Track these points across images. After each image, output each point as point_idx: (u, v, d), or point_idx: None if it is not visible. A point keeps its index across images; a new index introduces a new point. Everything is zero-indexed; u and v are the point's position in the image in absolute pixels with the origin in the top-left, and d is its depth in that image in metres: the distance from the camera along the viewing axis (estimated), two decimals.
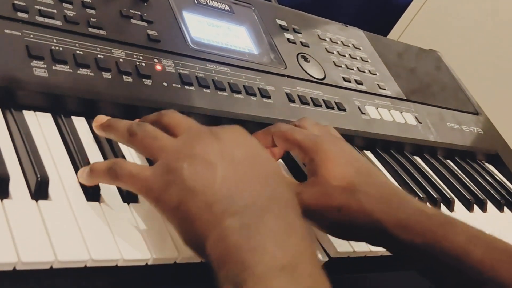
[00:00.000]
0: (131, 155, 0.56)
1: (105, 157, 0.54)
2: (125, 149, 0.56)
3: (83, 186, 0.48)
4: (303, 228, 0.44)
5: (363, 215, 0.52)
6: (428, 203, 0.74)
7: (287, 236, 0.42)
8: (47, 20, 0.60)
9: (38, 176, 0.45)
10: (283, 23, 0.87)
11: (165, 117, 0.51)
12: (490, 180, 0.89)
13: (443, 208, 0.75)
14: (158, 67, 0.65)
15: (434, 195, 0.75)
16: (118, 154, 0.54)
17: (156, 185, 0.44)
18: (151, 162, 0.48)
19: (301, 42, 0.86)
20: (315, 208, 0.52)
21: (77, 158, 0.51)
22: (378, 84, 0.91)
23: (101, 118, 0.54)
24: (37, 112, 0.55)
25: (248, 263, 0.39)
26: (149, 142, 0.47)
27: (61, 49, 0.58)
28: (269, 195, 0.44)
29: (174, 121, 0.50)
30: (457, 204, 0.78)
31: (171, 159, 0.45)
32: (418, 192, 0.74)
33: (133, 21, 0.68)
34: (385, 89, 0.91)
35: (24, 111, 0.54)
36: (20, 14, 0.59)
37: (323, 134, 0.59)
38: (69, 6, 0.63)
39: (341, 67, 0.88)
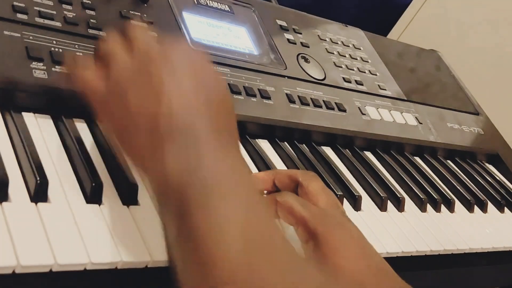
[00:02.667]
0: None
1: (104, 160, 0.53)
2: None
3: (82, 189, 0.48)
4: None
5: None
6: (428, 204, 0.74)
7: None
8: (46, 22, 0.60)
9: (38, 178, 0.45)
10: (283, 23, 0.87)
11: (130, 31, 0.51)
12: (490, 180, 0.89)
13: (443, 208, 0.75)
14: None
15: (435, 196, 0.75)
16: (118, 156, 0.54)
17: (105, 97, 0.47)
18: None
19: (301, 43, 0.86)
20: None
21: (77, 161, 0.51)
22: (378, 85, 0.90)
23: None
24: (36, 114, 0.55)
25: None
26: (106, 56, 0.49)
27: (60, 50, 0.58)
28: (217, 118, 0.45)
29: (132, 34, 0.50)
30: (458, 205, 0.78)
31: (119, 78, 0.46)
32: (419, 193, 0.74)
33: (133, 22, 0.68)
34: (385, 90, 0.91)
35: (23, 113, 0.54)
36: (19, 16, 0.58)
37: (331, 213, 0.53)
38: (69, 7, 0.63)
39: (341, 67, 0.88)
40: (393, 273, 0.51)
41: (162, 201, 0.43)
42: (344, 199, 0.65)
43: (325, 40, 0.91)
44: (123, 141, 0.47)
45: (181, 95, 0.45)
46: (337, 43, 0.93)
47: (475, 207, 0.80)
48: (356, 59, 0.93)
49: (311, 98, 0.77)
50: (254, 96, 0.71)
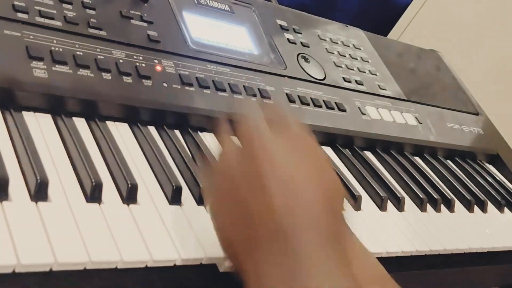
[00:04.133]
0: (132, 158, 0.56)
1: (105, 159, 0.53)
2: (125, 152, 0.56)
3: (82, 188, 0.48)
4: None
5: None
6: (428, 204, 0.74)
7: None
8: (47, 21, 0.60)
9: (38, 177, 0.45)
10: (283, 23, 0.87)
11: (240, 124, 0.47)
12: (490, 180, 0.89)
13: (443, 208, 0.75)
14: (158, 68, 0.65)
15: (434, 196, 0.75)
16: (118, 155, 0.54)
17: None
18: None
19: (301, 43, 0.86)
20: None
21: (77, 160, 0.51)
22: (378, 85, 0.91)
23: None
24: (36, 113, 0.55)
25: None
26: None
27: (61, 50, 0.58)
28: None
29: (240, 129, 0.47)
30: (457, 205, 0.78)
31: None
32: (419, 193, 0.74)
33: (133, 21, 0.68)
34: (385, 90, 0.91)
35: (23, 112, 0.54)
36: (20, 15, 0.58)
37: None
38: (69, 6, 0.63)
39: (341, 67, 0.88)
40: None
41: None
42: (344, 199, 0.65)
43: (325, 40, 0.91)
44: (220, 227, 0.44)
45: (289, 193, 0.41)
46: (337, 43, 0.93)
47: (475, 207, 0.80)
48: (356, 59, 0.93)
49: (311, 98, 0.77)
50: (254, 96, 0.71)
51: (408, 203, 0.72)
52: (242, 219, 0.41)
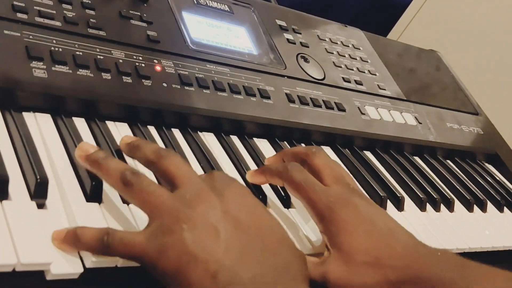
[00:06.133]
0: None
1: None
2: None
3: (82, 187, 0.48)
4: None
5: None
6: (428, 203, 0.74)
7: None
8: (46, 21, 0.60)
9: (38, 177, 0.45)
10: (283, 23, 0.87)
11: (164, 161, 0.46)
12: (490, 180, 0.89)
13: (443, 208, 0.75)
14: (158, 68, 0.65)
15: (434, 196, 0.75)
16: (118, 156, 0.54)
17: (152, 249, 0.41)
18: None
19: (300, 43, 0.86)
20: (345, 287, 0.49)
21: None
22: (378, 85, 0.91)
23: (86, 148, 0.48)
24: (36, 113, 0.55)
25: None
26: (145, 197, 0.43)
27: (60, 50, 0.58)
28: (277, 266, 0.41)
29: (173, 169, 0.45)
30: (457, 205, 0.78)
31: (169, 220, 0.41)
32: (418, 193, 0.74)
33: (132, 21, 0.68)
34: (385, 90, 0.91)
35: (23, 112, 0.54)
36: (19, 15, 0.58)
37: (336, 191, 0.53)
38: (69, 6, 0.63)
39: (340, 67, 0.88)
40: (404, 235, 0.52)
41: None
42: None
43: (325, 40, 0.91)
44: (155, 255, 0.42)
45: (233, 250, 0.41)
46: (337, 43, 0.93)
47: (475, 206, 0.80)
48: (356, 59, 0.93)
49: (310, 98, 0.78)
50: (254, 95, 0.71)
51: (408, 203, 0.73)
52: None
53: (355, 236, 0.50)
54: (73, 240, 0.41)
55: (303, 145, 0.74)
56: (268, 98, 0.72)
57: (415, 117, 0.90)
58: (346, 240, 0.50)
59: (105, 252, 0.41)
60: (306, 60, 0.84)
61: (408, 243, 0.51)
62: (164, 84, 0.64)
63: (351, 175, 0.60)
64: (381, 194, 0.69)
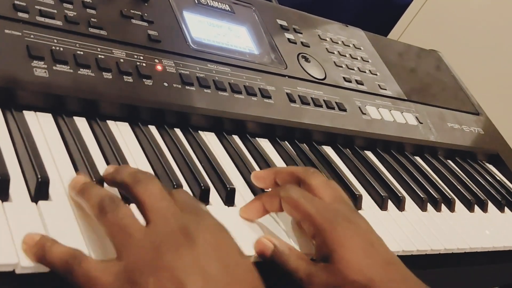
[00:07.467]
0: (133, 157, 0.56)
1: (105, 158, 0.53)
2: (126, 151, 0.56)
3: None
4: None
5: None
6: (429, 203, 0.74)
7: None
8: (47, 20, 0.60)
9: (39, 176, 0.45)
10: (284, 23, 0.87)
11: (139, 187, 0.44)
12: (490, 180, 0.89)
13: (443, 208, 0.75)
14: (159, 67, 0.65)
15: (435, 195, 0.75)
16: (119, 155, 0.54)
17: None
18: None
19: (301, 42, 0.86)
20: None
21: (78, 159, 0.51)
22: (378, 84, 0.91)
23: (78, 180, 0.46)
24: (37, 113, 0.55)
25: None
26: (116, 231, 0.41)
27: (61, 49, 0.58)
28: None
29: (146, 199, 0.43)
30: (458, 204, 0.78)
31: (136, 267, 0.39)
32: (419, 193, 0.74)
33: (133, 21, 0.68)
34: (385, 89, 0.91)
35: (24, 112, 0.54)
36: (20, 14, 0.58)
37: (337, 207, 0.52)
38: (70, 6, 0.63)
39: (341, 67, 0.88)
40: (403, 267, 0.51)
41: None
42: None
43: (326, 40, 0.91)
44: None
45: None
46: (338, 43, 0.93)
47: (476, 206, 0.80)
48: (357, 59, 0.93)
49: (311, 98, 0.77)
50: (255, 95, 0.71)
51: (409, 202, 0.73)
52: None
53: (353, 253, 0.49)
54: (40, 253, 0.40)
55: (304, 145, 0.74)
56: (269, 97, 0.72)
57: (416, 117, 0.90)
58: (342, 256, 0.48)
59: (68, 276, 0.39)
60: (307, 59, 0.84)
61: (406, 275, 0.50)
62: (165, 84, 0.64)
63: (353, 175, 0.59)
64: (382, 194, 0.69)
